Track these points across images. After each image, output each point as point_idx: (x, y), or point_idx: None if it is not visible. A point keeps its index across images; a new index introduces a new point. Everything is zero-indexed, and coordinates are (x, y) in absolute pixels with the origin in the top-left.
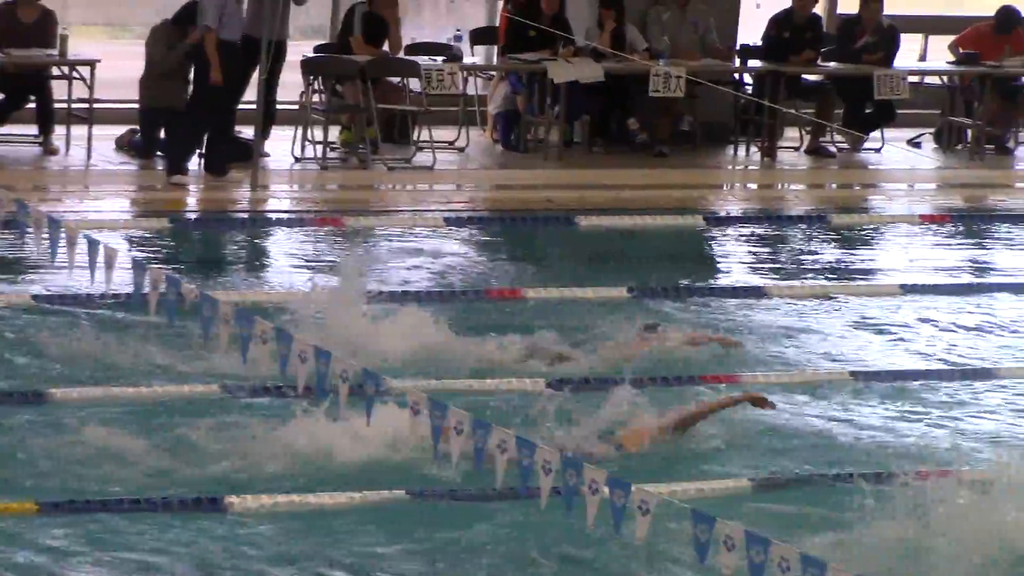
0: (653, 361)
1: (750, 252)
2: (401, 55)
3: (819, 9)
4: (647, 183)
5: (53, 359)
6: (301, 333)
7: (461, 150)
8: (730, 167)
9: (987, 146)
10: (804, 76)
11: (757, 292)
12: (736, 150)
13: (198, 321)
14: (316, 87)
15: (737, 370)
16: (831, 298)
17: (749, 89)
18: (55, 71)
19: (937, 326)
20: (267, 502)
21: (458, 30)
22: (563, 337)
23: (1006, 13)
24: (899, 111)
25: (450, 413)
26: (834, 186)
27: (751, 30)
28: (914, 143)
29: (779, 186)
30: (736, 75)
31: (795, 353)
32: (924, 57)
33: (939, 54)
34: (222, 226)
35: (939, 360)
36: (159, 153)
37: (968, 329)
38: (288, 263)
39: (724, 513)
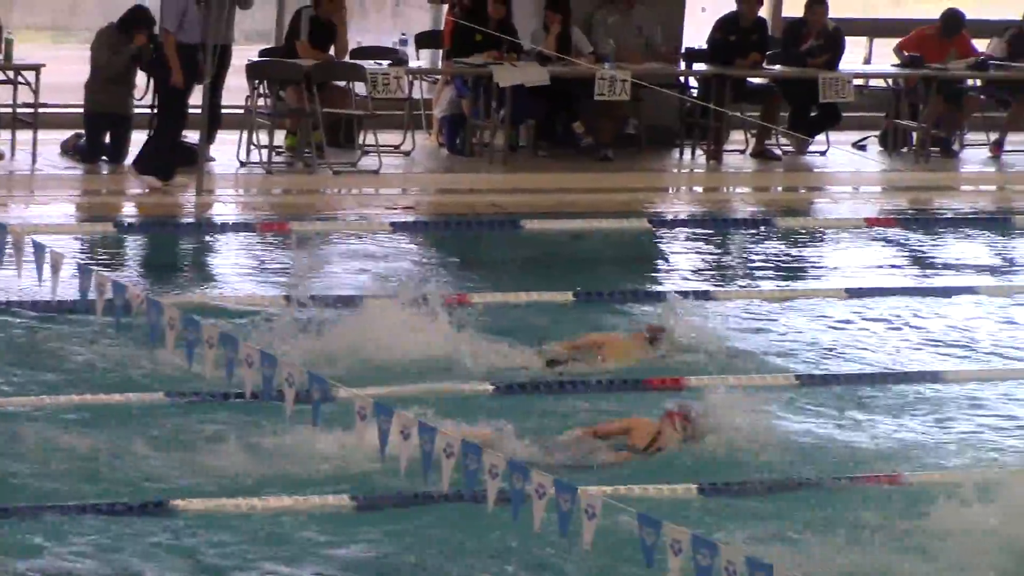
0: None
1: (695, 255)
2: (347, 59)
3: (764, 12)
4: (592, 187)
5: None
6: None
7: (407, 154)
8: (675, 170)
9: (932, 149)
10: (749, 79)
11: (703, 295)
12: (681, 153)
13: (144, 326)
14: (261, 91)
15: (683, 374)
16: (776, 301)
17: (694, 92)
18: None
19: (882, 329)
20: (212, 505)
21: (403, 34)
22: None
23: (951, 16)
24: (844, 114)
25: (396, 417)
26: (779, 189)
27: (696, 33)
28: (859, 146)
29: (724, 189)
30: (681, 78)
31: (741, 356)
32: (869, 60)
33: (884, 57)
34: (167, 231)
35: (885, 363)
36: (104, 157)
37: (914, 332)
38: (233, 267)
39: (672, 517)
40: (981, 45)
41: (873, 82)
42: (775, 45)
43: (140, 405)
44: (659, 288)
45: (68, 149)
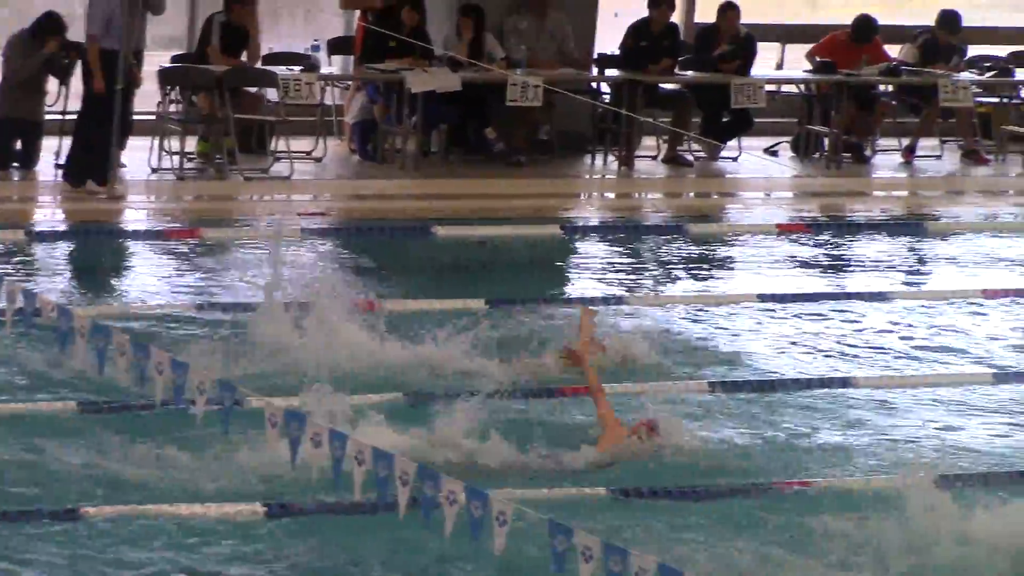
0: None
1: (608, 261)
2: (259, 65)
3: (676, 18)
4: (505, 192)
5: None
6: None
7: (318, 160)
8: (588, 176)
9: (844, 154)
10: (661, 85)
11: (615, 301)
12: (594, 159)
13: (55, 333)
14: (173, 97)
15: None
16: (688, 307)
17: (607, 98)
18: None
19: (794, 335)
20: (124, 512)
21: (316, 40)
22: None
23: (863, 22)
24: (756, 119)
25: (308, 425)
26: (691, 195)
27: (609, 39)
28: (771, 151)
29: (637, 195)
30: (594, 84)
31: (652, 363)
32: (781, 66)
33: (796, 63)
34: (78, 238)
35: (796, 369)
36: (15, 164)
37: (824, 337)
38: (144, 275)
39: (584, 522)
40: (893, 51)
41: (785, 88)
42: (687, 51)
43: (51, 413)
44: (571, 294)
45: None
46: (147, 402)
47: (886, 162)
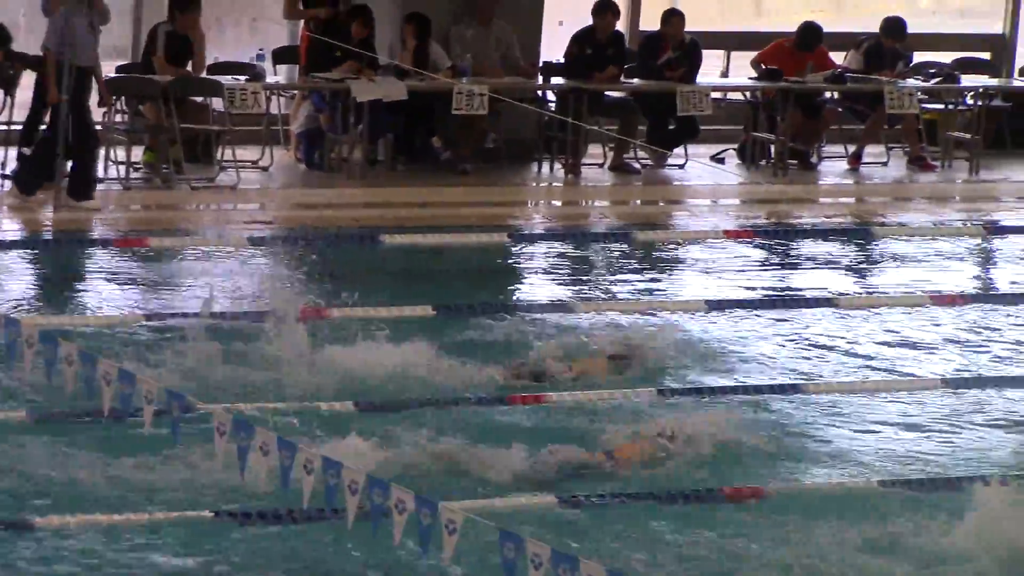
0: None
1: (555, 269)
2: (204, 74)
3: (621, 26)
4: (451, 201)
5: None
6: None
7: (265, 169)
8: (534, 184)
9: (790, 161)
10: (607, 93)
11: (562, 308)
12: (540, 167)
13: (1, 344)
14: (119, 107)
15: (546, 391)
16: (636, 314)
17: (552, 106)
18: None
19: (742, 342)
20: (73, 522)
21: (260, 49)
22: None
23: (808, 29)
24: (702, 127)
25: (257, 433)
26: (638, 202)
27: (554, 47)
28: (718, 159)
29: (583, 203)
30: (539, 92)
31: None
32: (727, 73)
33: (742, 70)
34: (25, 247)
35: (746, 375)
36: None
37: (772, 343)
38: (90, 284)
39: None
40: (838, 58)
41: (731, 95)
42: (632, 58)
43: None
44: (518, 301)
45: None
46: (96, 410)
47: (832, 169)
